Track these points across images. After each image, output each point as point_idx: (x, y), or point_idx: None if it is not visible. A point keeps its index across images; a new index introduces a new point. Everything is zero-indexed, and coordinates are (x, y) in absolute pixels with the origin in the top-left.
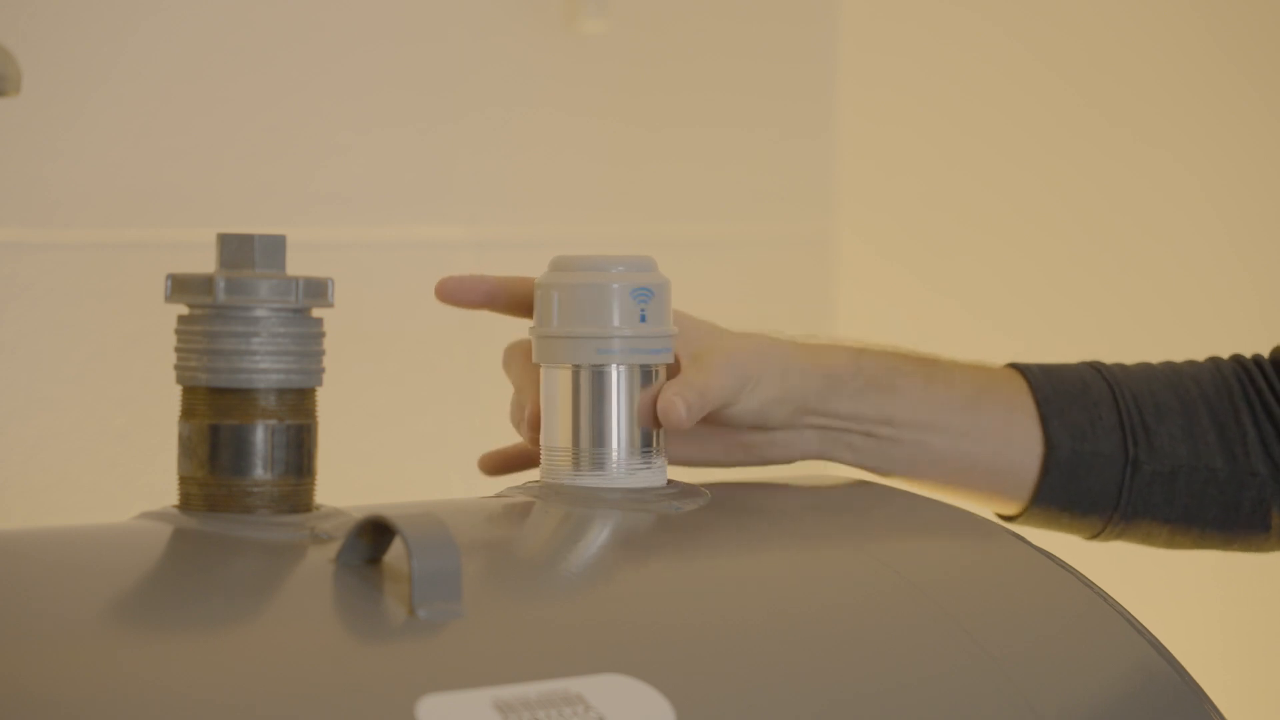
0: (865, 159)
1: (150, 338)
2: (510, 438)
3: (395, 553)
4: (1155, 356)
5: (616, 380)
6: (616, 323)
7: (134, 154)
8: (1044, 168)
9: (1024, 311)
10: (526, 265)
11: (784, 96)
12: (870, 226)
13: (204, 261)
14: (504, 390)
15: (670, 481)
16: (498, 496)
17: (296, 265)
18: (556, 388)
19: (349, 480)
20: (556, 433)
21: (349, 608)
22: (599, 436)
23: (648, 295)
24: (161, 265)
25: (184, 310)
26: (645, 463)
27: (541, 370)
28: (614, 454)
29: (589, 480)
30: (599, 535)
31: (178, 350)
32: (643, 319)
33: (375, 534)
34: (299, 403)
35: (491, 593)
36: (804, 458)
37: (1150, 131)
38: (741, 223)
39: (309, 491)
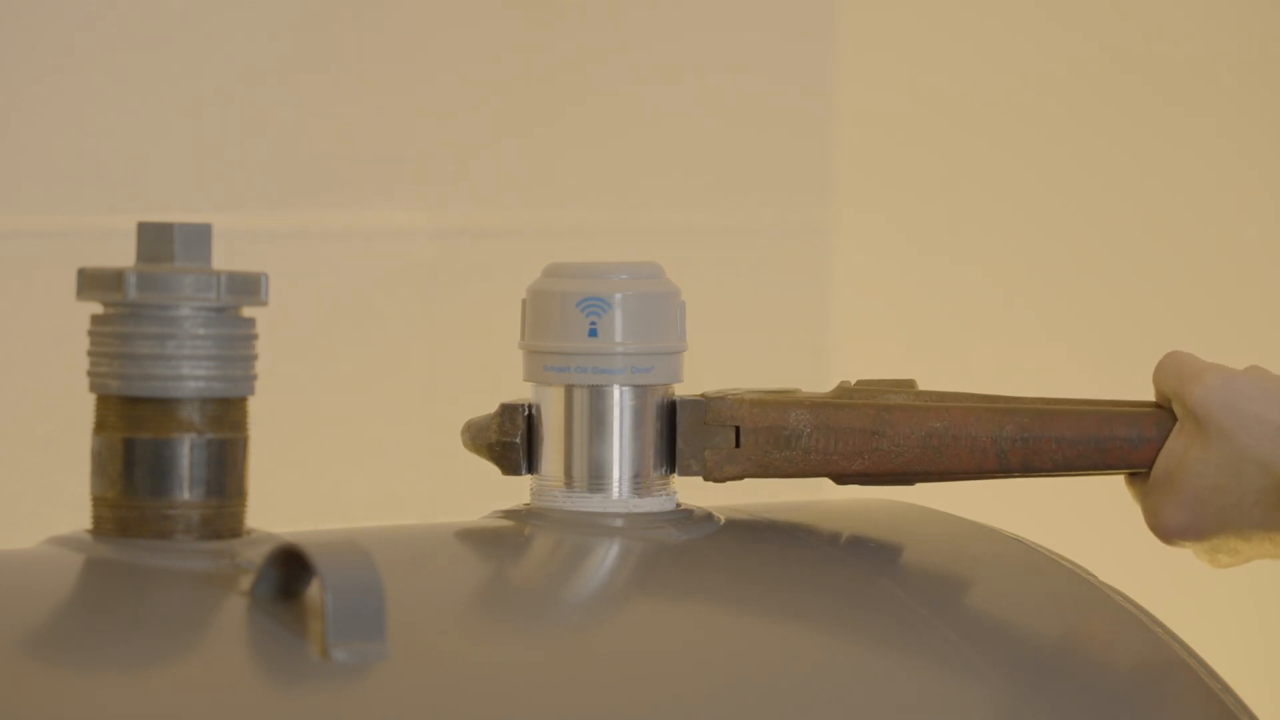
0: (863, 144)
1: (79, 336)
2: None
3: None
4: (1158, 344)
5: (619, 401)
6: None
7: (60, 136)
8: (1045, 157)
9: (1022, 302)
10: (495, 257)
11: (778, 78)
12: (868, 213)
13: (133, 253)
14: (469, 395)
15: (680, 505)
16: (479, 521)
17: (233, 257)
18: (548, 408)
19: (295, 500)
20: (548, 460)
21: (255, 648)
22: (595, 466)
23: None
24: (89, 256)
25: (98, 309)
26: (646, 493)
27: (532, 389)
28: (615, 486)
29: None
30: (568, 566)
31: (90, 354)
32: (593, 333)
33: (293, 564)
34: (223, 414)
35: (428, 631)
36: None
37: (1152, 117)
38: (733, 210)
39: (236, 514)
